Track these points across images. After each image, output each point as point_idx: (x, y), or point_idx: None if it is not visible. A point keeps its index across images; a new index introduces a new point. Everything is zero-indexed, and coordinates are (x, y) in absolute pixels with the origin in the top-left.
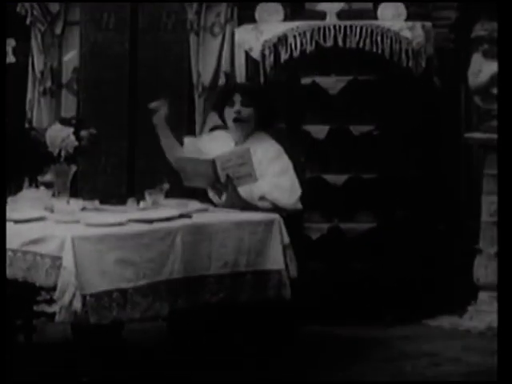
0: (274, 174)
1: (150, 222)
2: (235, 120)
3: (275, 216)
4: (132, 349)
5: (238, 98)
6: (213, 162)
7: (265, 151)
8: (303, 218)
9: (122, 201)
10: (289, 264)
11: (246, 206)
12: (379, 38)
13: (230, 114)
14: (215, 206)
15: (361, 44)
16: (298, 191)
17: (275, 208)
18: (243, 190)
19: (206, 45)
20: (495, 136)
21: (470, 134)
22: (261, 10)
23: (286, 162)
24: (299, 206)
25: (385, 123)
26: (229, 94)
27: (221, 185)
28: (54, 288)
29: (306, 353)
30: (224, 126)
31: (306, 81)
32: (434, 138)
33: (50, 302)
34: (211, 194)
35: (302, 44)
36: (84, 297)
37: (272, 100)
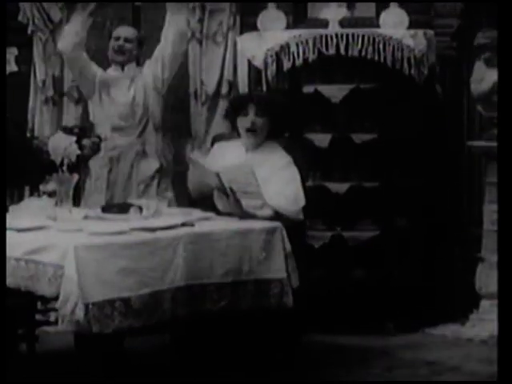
0: (280, 182)
1: (153, 230)
2: (248, 130)
3: (277, 224)
4: (134, 357)
5: (252, 108)
6: (217, 175)
7: (274, 161)
8: (305, 226)
9: (124, 209)
10: (291, 272)
11: (246, 215)
12: (381, 46)
13: (243, 123)
14: (218, 213)
15: (363, 52)
16: (302, 201)
17: (277, 216)
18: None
19: (208, 53)
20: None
21: (473, 142)
22: (263, 19)
23: (293, 172)
24: (301, 216)
25: (387, 131)
26: (243, 104)
27: (224, 193)
28: (56, 297)
29: (307, 361)
30: (227, 135)
31: (308, 89)
32: (436, 146)
33: (53, 311)
34: (215, 196)
35: (304, 52)
36: (86, 306)
37: (286, 110)
